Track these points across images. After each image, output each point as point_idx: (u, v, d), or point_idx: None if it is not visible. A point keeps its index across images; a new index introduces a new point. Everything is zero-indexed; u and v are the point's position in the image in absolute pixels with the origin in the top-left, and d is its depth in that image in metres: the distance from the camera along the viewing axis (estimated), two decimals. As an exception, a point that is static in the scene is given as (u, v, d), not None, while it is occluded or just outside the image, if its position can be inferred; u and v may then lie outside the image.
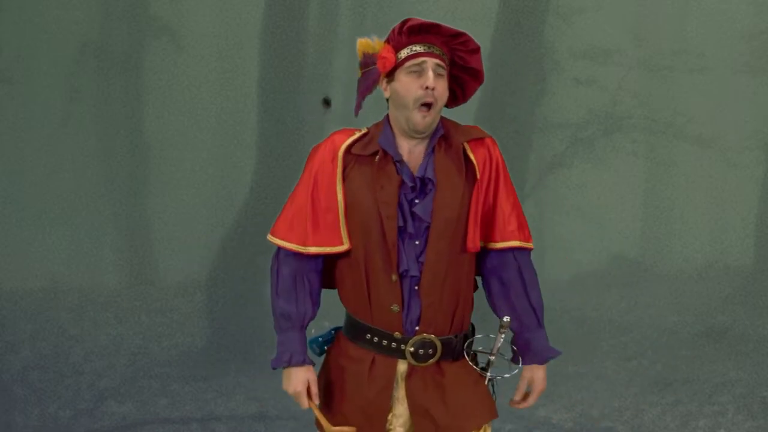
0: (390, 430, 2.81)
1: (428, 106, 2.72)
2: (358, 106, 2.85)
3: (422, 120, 2.72)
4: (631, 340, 7.75)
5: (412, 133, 2.76)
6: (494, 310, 2.86)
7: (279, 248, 2.82)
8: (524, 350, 2.87)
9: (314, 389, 2.79)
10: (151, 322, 7.88)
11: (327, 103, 3.02)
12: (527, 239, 2.84)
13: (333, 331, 2.95)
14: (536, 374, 2.88)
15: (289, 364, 2.78)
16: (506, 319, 2.81)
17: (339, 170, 2.75)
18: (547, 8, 8.45)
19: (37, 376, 6.68)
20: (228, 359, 7.17)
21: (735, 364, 7.09)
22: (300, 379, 2.77)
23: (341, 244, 2.75)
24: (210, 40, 9.67)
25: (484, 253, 2.83)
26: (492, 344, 2.83)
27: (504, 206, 2.82)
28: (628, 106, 9.64)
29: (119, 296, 8.64)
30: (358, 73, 2.83)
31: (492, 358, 2.84)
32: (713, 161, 9.67)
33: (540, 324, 2.86)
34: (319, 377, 2.90)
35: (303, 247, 2.77)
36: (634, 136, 9.62)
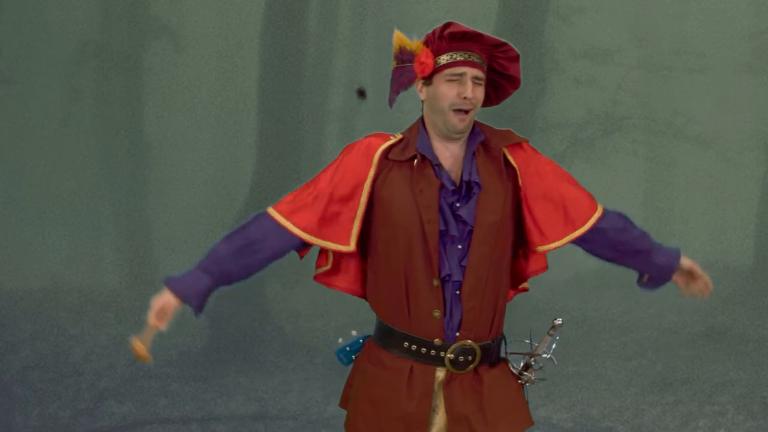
0: None
1: (465, 111, 2.71)
2: (392, 100, 2.81)
3: (460, 122, 2.68)
4: (631, 340, 7.75)
5: (451, 135, 2.71)
6: (624, 264, 2.92)
7: (267, 214, 2.73)
8: (663, 263, 2.93)
9: (168, 316, 2.80)
10: (151, 322, 7.88)
11: (362, 93, 2.93)
12: (596, 206, 2.83)
13: (361, 340, 2.90)
14: (685, 264, 2.96)
15: (176, 290, 2.81)
16: (558, 321, 2.80)
17: (372, 172, 2.69)
18: (547, 8, 8.44)
19: (37, 376, 6.68)
20: (228, 359, 7.17)
21: (735, 364, 7.09)
22: (167, 300, 2.79)
23: (347, 244, 2.72)
24: (210, 40, 9.68)
25: (579, 240, 2.80)
26: (536, 347, 2.81)
27: (568, 192, 2.80)
28: (628, 106, 9.64)
29: (119, 296, 8.64)
30: (393, 64, 2.78)
31: (533, 361, 2.82)
32: (713, 161, 9.68)
33: (653, 243, 2.90)
34: (349, 386, 2.87)
35: (300, 231, 2.70)
36: (634, 136, 9.62)
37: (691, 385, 6.69)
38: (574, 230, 2.78)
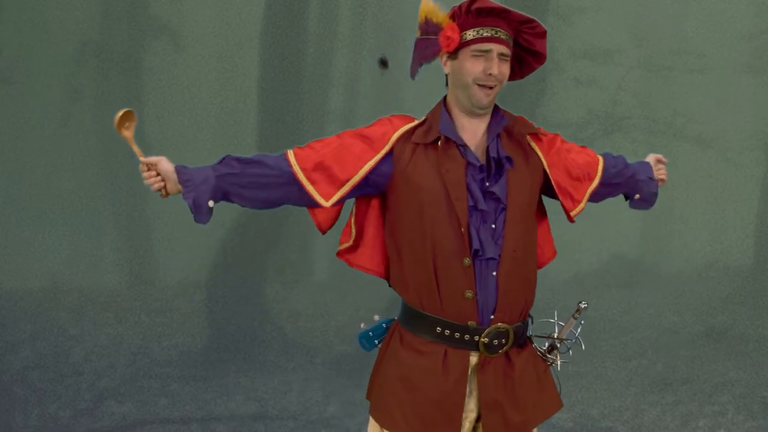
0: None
1: (490, 87, 2.69)
2: (414, 71, 2.77)
3: (485, 97, 2.66)
4: (631, 340, 7.75)
5: (475, 110, 2.69)
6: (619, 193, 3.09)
7: (289, 163, 2.69)
8: (646, 178, 3.13)
9: (152, 161, 2.97)
10: (151, 322, 7.88)
11: (384, 63, 2.89)
12: (597, 156, 2.98)
13: (384, 325, 2.86)
14: (652, 160, 3.27)
15: (180, 174, 2.88)
16: (583, 304, 2.80)
17: (383, 151, 2.68)
18: (547, 8, 8.44)
19: (37, 376, 6.67)
20: (228, 359, 7.16)
21: (735, 364, 7.09)
22: (167, 167, 2.92)
23: (326, 200, 2.68)
24: (210, 40, 9.68)
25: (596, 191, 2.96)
26: (561, 329, 2.82)
27: (579, 157, 2.91)
28: (628, 106, 9.64)
29: (119, 296, 8.64)
30: (417, 34, 2.75)
31: (558, 343, 2.82)
32: (713, 161, 9.67)
33: (631, 164, 3.10)
34: (377, 372, 2.82)
35: (294, 162, 2.69)
36: (634, 136, 9.62)
37: (691, 385, 6.69)
38: (590, 183, 2.91)
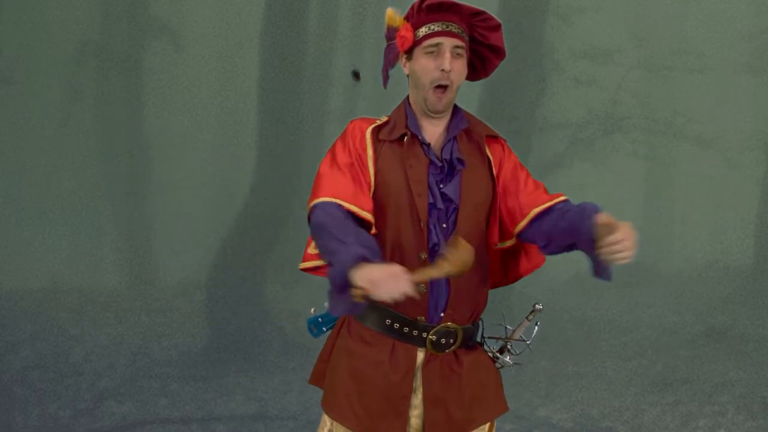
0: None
1: (443, 88, 2.71)
2: (384, 79, 2.82)
3: (438, 101, 2.71)
4: (631, 340, 7.75)
5: (430, 113, 2.75)
6: (553, 246, 2.74)
7: (324, 203, 2.62)
8: (582, 213, 2.69)
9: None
10: (151, 322, 7.87)
11: (356, 75, 2.93)
12: (560, 195, 2.83)
13: None
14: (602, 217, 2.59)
15: (365, 260, 2.46)
16: (539, 306, 2.81)
17: (370, 151, 2.72)
18: (547, 8, 8.45)
19: (37, 376, 6.67)
20: (228, 359, 7.16)
21: (735, 364, 7.09)
22: (393, 266, 2.46)
23: (366, 210, 2.68)
24: (210, 40, 9.67)
25: (530, 228, 2.76)
26: (513, 330, 2.82)
27: (531, 184, 2.80)
28: (628, 106, 9.64)
29: (119, 296, 8.63)
30: (385, 44, 2.81)
31: (509, 345, 2.83)
32: (713, 161, 9.66)
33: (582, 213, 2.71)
34: (323, 362, 2.86)
35: (359, 209, 2.64)
36: (634, 136, 9.62)
37: (691, 385, 6.69)
38: (529, 212, 2.77)
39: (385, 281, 2.39)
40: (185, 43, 9.67)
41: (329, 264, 2.53)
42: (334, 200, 2.63)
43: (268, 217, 7.82)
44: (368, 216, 2.66)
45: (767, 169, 9.08)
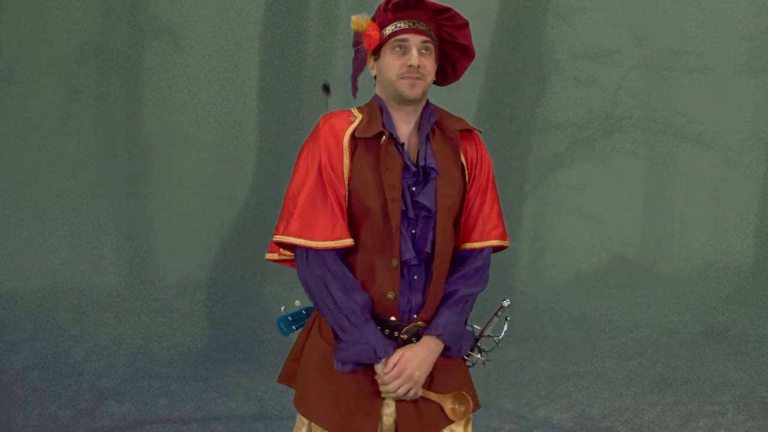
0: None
1: (413, 77, 2.68)
2: (354, 87, 2.82)
3: (411, 88, 2.68)
4: (631, 340, 7.75)
5: (403, 102, 2.71)
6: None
7: (315, 249, 2.67)
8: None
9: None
10: (151, 322, 7.87)
11: (326, 89, 2.91)
12: (504, 236, 2.81)
13: (304, 311, 2.90)
14: (410, 352, 2.69)
15: (388, 355, 2.66)
16: (506, 302, 2.81)
17: (346, 160, 2.69)
18: (547, 8, 8.45)
19: (37, 376, 6.67)
20: (228, 359, 7.16)
21: (735, 364, 7.09)
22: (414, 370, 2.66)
23: (349, 237, 2.69)
24: (210, 40, 9.66)
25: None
26: (483, 327, 2.83)
27: (488, 208, 2.78)
28: (628, 106, 9.63)
29: (119, 296, 8.63)
30: (352, 52, 2.81)
31: (479, 343, 2.83)
32: (713, 161, 9.66)
33: (453, 308, 2.72)
34: (293, 361, 2.86)
35: (340, 241, 2.66)
36: (634, 136, 9.62)
37: (691, 385, 6.68)
38: (463, 242, 2.76)
39: (407, 380, 2.63)
40: (185, 43, 9.67)
41: (341, 328, 2.67)
42: (328, 246, 2.65)
43: (268, 217, 7.80)
44: (350, 243, 2.67)
45: (767, 169, 9.08)
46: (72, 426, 6.00)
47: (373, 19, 2.73)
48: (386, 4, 2.71)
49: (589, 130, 9.43)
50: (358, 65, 2.78)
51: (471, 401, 2.74)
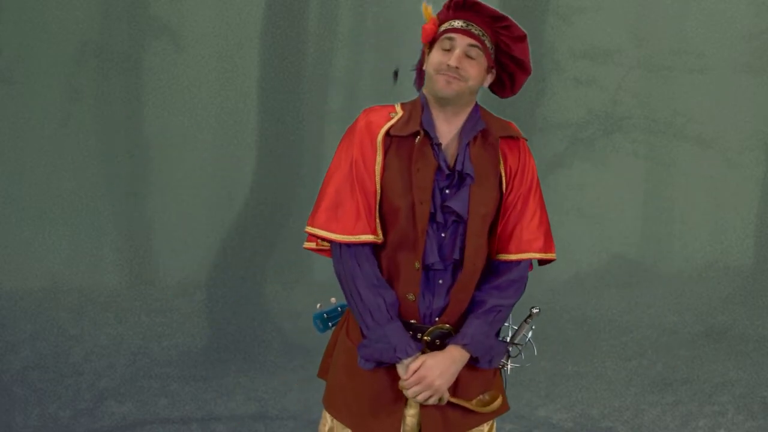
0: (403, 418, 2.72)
1: (451, 74, 2.64)
2: (417, 79, 2.78)
3: (447, 85, 2.65)
4: (631, 340, 7.75)
5: (439, 101, 2.68)
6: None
7: (346, 244, 2.65)
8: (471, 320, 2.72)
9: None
10: (151, 322, 7.88)
11: (396, 75, 2.89)
12: (547, 249, 2.77)
13: (339, 308, 2.88)
14: (432, 360, 2.66)
15: (408, 355, 2.64)
16: (536, 309, 2.79)
17: (379, 158, 2.66)
18: (547, 8, 8.45)
19: (37, 376, 6.67)
20: (228, 359, 7.16)
21: (735, 364, 7.09)
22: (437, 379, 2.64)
23: (378, 235, 2.66)
24: (210, 40, 9.67)
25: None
26: (513, 334, 2.81)
27: (527, 219, 2.73)
28: (628, 106, 9.64)
29: (119, 296, 8.64)
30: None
31: (511, 348, 2.81)
32: (713, 161, 9.67)
33: (483, 318, 2.69)
34: (329, 356, 2.84)
35: (360, 236, 2.63)
36: (634, 136, 9.62)
37: (691, 385, 6.69)
38: (499, 253, 2.72)
39: (426, 387, 2.63)
40: (185, 43, 9.67)
41: (366, 325, 2.65)
42: (346, 240, 2.63)
43: (268, 217, 7.82)
44: (370, 240, 2.66)
45: (767, 169, 9.08)
46: (72, 426, 6.00)
47: (438, 15, 2.72)
48: (450, 1, 2.71)
49: (589, 130, 9.43)
50: (421, 59, 2.76)
51: (500, 397, 2.73)
